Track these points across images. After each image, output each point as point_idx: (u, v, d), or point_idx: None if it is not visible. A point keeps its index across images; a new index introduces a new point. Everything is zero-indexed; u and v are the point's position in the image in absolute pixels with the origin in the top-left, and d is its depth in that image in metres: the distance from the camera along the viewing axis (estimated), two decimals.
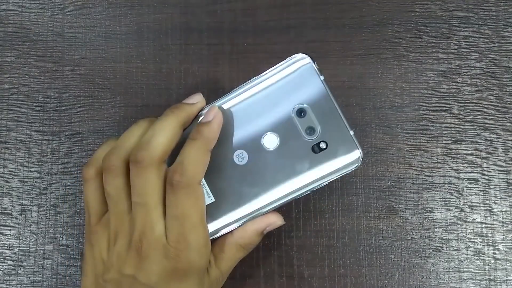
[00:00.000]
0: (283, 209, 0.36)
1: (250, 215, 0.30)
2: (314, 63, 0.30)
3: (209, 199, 0.30)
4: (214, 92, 0.37)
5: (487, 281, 0.35)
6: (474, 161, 0.37)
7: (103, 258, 0.30)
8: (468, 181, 0.36)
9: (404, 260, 0.36)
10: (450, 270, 0.36)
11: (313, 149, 0.29)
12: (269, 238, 0.36)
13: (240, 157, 0.30)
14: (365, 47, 0.38)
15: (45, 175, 0.37)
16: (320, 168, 0.29)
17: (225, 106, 0.31)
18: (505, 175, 0.37)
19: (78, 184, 0.37)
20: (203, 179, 0.30)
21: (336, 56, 0.38)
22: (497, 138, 0.37)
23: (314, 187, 0.30)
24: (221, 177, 0.30)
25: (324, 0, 0.38)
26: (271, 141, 0.30)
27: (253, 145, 0.30)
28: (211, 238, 0.30)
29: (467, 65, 0.37)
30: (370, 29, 0.38)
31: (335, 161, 0.29)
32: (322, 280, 0.36)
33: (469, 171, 0.36)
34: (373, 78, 0.37)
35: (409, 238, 0.36)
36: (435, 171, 0.37)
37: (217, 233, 0.31)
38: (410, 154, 0.37)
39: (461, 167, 0.36)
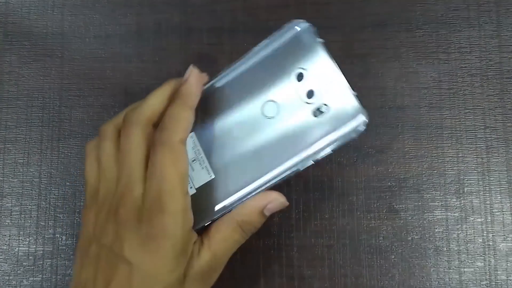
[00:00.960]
0: (283, 209, 0.36)
1: (251, 191, 0.29)
2: (311, 25, 0.29)
3: (209, 175, 0.29)
4: None
5: (488, 282, 0.35)
6: (475, 161, 0.37)
7: (89, 232, 0.28)
8: (468, 181, 0.36)
9: (404, 261, 0.36)
10: (451, 271, 0.36)
11: (314, 114, 0.28)
12: (269, 238, 0.36)
13: (241, 130, 0.29)
14: (365, 47, 0.38)
15: (45, 175, 0.37)
16: (323, 133, 0.28)
17: (224, 80, 0.30)
18: (506, 175, 0.36)
19: (77, 184, 0.37)
20: (203, 155, 0.30)
21: (336, 56, 0.37)
22: (498, 138, 0.37)
23: (317, 155, 0.28)
24: (220, 153, 0.29)
25: (324, 0, 0.38)
26: (271, 109, 0.29)
27: (253, 116, 0.29)
28: (209, 221, 0.29)
29: (467, 65, 0.37)
30: (370, 29, 0.38)
31: (338, 124, 0.28)
32: (322, 281, 0.36)
33: (469, 171, 0.36)
34: (374, 78, 0.37)
35: (410, 238, 0.36)
36: (435, 171, 0.36)
37: (216, 214, 0.29)
38: (411, 154, 0.37)
39: (462, 167, 0.36)
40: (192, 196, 0.29)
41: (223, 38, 0.38)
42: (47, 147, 0.37)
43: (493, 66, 0.37)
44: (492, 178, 0.37)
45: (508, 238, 0.36)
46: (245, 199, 0.29)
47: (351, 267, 0.36)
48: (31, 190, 0.37)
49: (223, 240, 0.29)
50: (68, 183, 0.37)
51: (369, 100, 0.37)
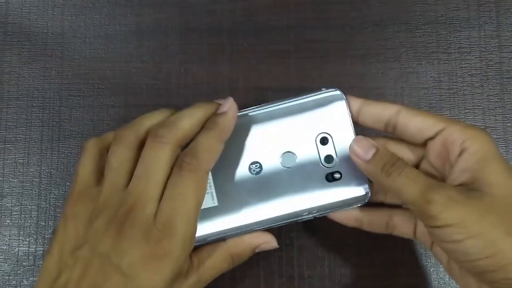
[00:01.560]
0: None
1: (248, 227, 0.30)
2: (346, 99, 0.31)
3: (212, 202, 0.30)
4: (214, 92, 0.37)
5: None
6: None
7: (78, 232, 0.27)
8: None
9: (404, 260, 0.36)
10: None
11: (326, 177, 0.30)
12: None
13: (255, 168, 0.31)
14: (365, 47, 0.38)
15: (45, 175, 0.37)
16: (329, 197, 0.30)
17: (252, 115, 0.31)
18: None
19: None
20: (211, 181, 0.30)
21: (336, 56, 0.38)
22: (498, 138, 0.37)
23: (318, 213, 0.31)
24: (230, 183, 0.30)
25: (324, 0, 0.38)
26: (289, 160, 0.30)
27: (270, 159, 0.31)
28: (203, 242, 0.30)
29: (467, 65, 0.37)
30: (370, 29, 0.38)
31: (344, 193, 0.30)
32: (322, 280, 0.36)
33: None
34: (374, 78, 0.37)
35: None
36: None
37: (210, 237, 0.30)
38: None
39: None
40: None
41: (223, 38, 0.38)
42: (47, 147, 0.37)
43: (493, 66, 0.37)
44: None
45: None
46: (241, 231, 0.30)
47: (351, 267, 0.36)
48: (31, 190, 0.37)
49: (211, 268, 0.29)
50: (68, 183, 0.37)
51: None
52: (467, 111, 0.37)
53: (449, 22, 0.38)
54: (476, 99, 0.37)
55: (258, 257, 0.36)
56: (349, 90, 0.37)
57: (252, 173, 0.31)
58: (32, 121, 0.38)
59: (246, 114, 0.31)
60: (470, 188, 0.27)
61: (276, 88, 0.37)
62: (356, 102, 0.30)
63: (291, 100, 0.31)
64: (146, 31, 0.38)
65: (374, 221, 0.32)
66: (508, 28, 0.38)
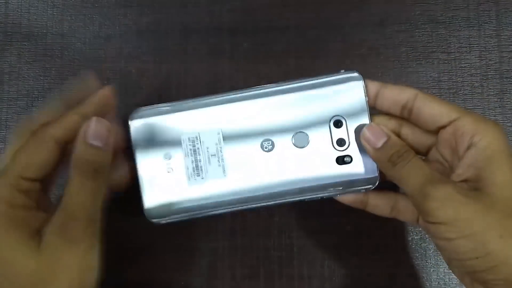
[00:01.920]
0: (284, 208, 0.36)
1: (255, 200, 0.30)
2: (364, 84, 0.30)
3: (223, 175, 0.30)
4: (214, 92, 0.37)
5: None
6: None
7: None
8: None
9: (404, 261, 0.36)
10: (451, 271, 0.35)
11: (337, 160, 0.30)
12: (269, 239, 0.36)
13: (267, 146, 0.30)
14: (365, 46, 0.38)
15: None
16: (338, 179, 0.30)
17: (269, 91, 0.31)
18: None
19: None
20: (223, 154, 0.30)
21: (336, 56, 0.38)
22: None
23: (325, 194, 0.31)
24: (241, 158, 0.30)
25: (324, 0, 0.38)
26: (301, 140, 0.30)
27: (283, 138, 0.30)
28: (208, 212, 0.30)
29: (467, 64, 0.37)
30: (370, 29, 0.38)
31: (353, 177, 0.30)
32: (322, 280, 0.36)
33: None
34: (374, 78, 0.37)
35: (410, 238, 0.36)
36: None
37: (216, 208, 0.30)
38: None
39: None
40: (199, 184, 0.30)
41: (223, 38, 0.38)
42: None
43: (493, 65, 0.37)
44: None
45: None
46: (245, 206, 0.30)
47: (351, 267, 0.36)
48: None
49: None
50: None
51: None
52: None
53: (448, 21, 0.38)
54: (476, 98, 0.37)
55: (258, 257, 0.36)
56: None
57: (264, 150, 0.30)
58: None
59: (262, 89, 0.31)
60: (472, 186, 0.26)
61: None
62: (374, 85, 0.30)
63: (309, 80, 0.31)
64: (145, 31, 0.38)
65: (379, 204, 0.31)
66: (508, 28, 0.38)
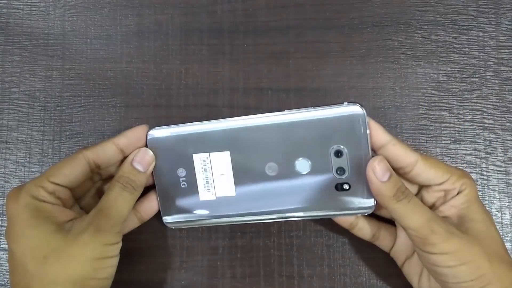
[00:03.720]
0: None
1: (259, 215, 0.33)
2: (365, 116, 0.31)
3: (232, 193, 0.33)
4: (214, 92, 0.38)
5: None
6: (473, 161, 0.37)
7: None
8: None
9: None
10: None
11: (336, 187, 0.32)
12: (269, 238, 0.36)
13: (272, 169, 0.32)
14: (364, 47, 0.38)
15: None
16: (335, 205, 0.32)
17: (275, 119, 0.32)
18: (504, 175, 0.37)
19: None
20: (232, 175, 0.33)
21: (336, 56, 0.38)
22: (496, 138, 0.37)
23: (322, 216, 0.33)
24: (248, 180, 0.33)
25: (323, 0, 0.38)
26: (303, 166, 0.32)
27: (286, 163, 0.32)
28: (218, 222, 0.34)
29: (466, 65, 0.38)
30: (369, 30, 0.38)
31: (350, 202, 0.32)
32: (322, 280, 0.36)
33: (468, 171, 0.37)
34: (373, 78, 0.38)
35: None
36: None
37: (225, 219, 0.34)
38: None
39: (460, 167, 0.36)
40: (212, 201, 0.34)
41: (223, 39, 0.38)
42: (49, 147, 0.38)
43: (492, 66, 0.38)
44: (490, 178, 0.37)
45: (506, 238, 0.36)
46: (250, 218, 0.34)
47: (351, 266, 0.36)
48: None
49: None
50: None
51: (368, 100, 0.37)
52: (466, 111, 0.37)
53: (447, 22, 0.38)
54: (475, 99, 0.37)
55: (258, 257, 0.36)
56: (349, 91, 0.37)
57: (268, 173, 0.32)
58: (34, 121, 0.38)
59: (270, 117, 0.32)
60: (452, 223, 0.31)
61: (276, 89, 0.38)
62: (384, 137, 0.31)
63: (313, 109, 0.32)
64: (146, 31, 0.38)
65: (364, 229, 0.34)
66: (507, 29, 0.38)
